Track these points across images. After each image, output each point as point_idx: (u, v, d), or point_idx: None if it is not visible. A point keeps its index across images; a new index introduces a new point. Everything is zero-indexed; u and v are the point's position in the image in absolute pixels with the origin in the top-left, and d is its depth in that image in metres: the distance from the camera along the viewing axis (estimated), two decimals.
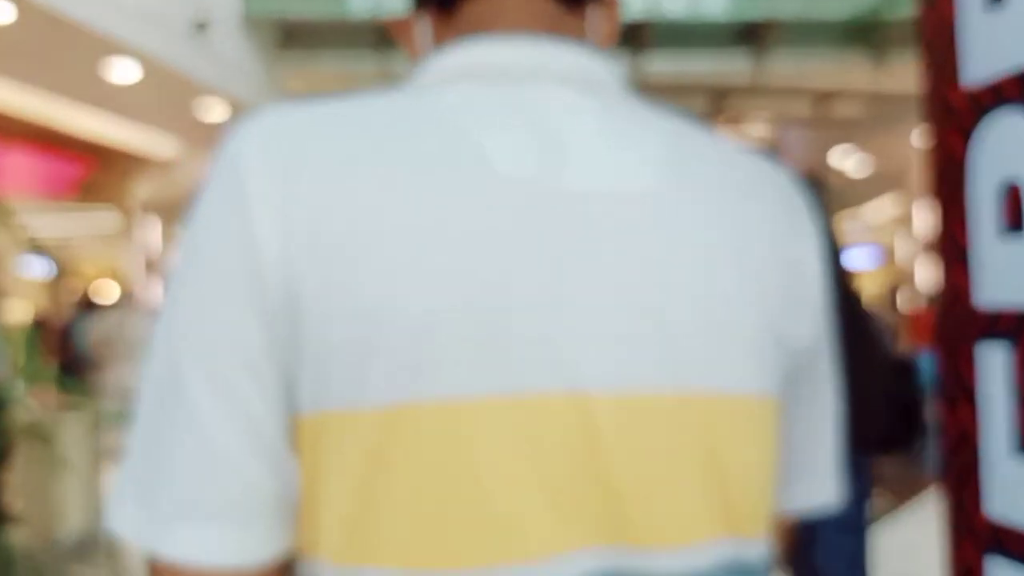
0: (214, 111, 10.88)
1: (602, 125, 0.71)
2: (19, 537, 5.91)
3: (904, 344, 11.04)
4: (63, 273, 26.92)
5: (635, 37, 10.82)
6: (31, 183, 18.64)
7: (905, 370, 3.28)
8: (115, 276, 30.03)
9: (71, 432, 6.10)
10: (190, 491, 0.63)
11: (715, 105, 12.93)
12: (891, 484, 7.29)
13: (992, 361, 0.98)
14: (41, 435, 5.67)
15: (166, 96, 10.11)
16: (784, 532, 0.86)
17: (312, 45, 11.28)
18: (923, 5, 1.06)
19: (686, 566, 0.67)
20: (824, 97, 12.59)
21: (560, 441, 0.64)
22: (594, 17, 0.78)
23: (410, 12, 0.81)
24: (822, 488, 0.85)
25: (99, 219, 21.57)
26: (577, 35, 0.76)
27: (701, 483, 0.68)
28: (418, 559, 0.62)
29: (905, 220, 18.02)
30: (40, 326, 14.34)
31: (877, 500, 3.24)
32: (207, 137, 12.63)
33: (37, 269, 24.82)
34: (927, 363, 10.77)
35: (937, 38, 1.04)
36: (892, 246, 19.67)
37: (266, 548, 0.65)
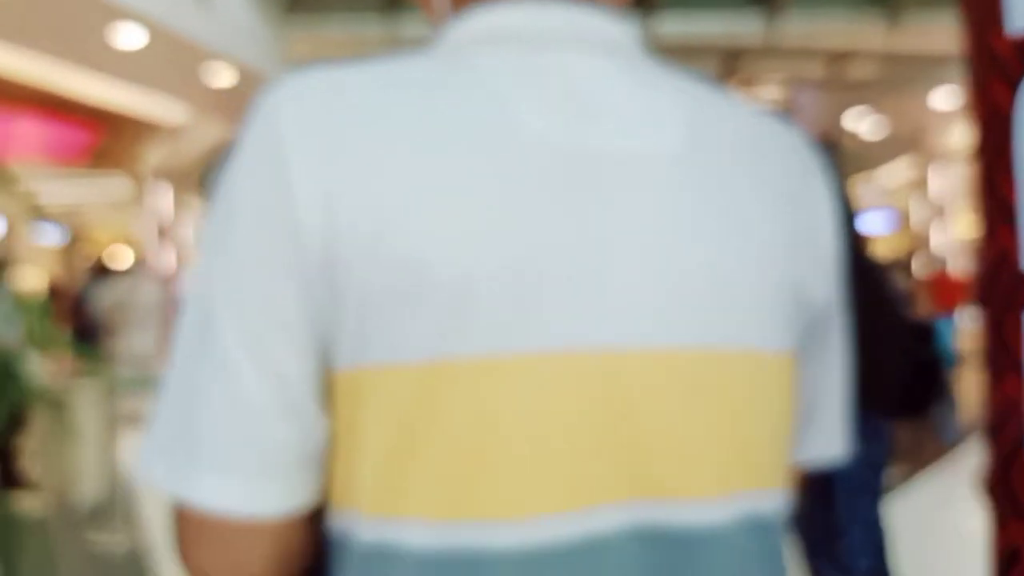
0: (221, 76, 10.82)
1: (628, 88, 0.72)
2: (34, 503, 5.97)
3: (922, 309, 10.98)
4: (76, 240, 27.02)
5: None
6: (41, 150, 18.66)
7: (923, 333, 3.25)
8: (127, 242, 30.16)
9: (85, 398, 6.13)
10: (217, 442, 0.65)
11: (727, 67, 12.81)
12: (906, 453, 7.29)
13: None
14: (55, 402, 5.69)
15: (173, 61, 10.06)
16: (794, 486, 0.86)
17: (319, 9, 11.20)
18: None
19: (709, 519, 0.69)
20: (838, 58, 12.44)
21: (591, 397, 0.65)
22: None
23: None
24: (831, 442, 0.86)
25: (110, 186, 21.59)
26: None
27: (724, 438, 0.70)
28: (450, 511, 0.64)
29: (920, 183, 17.89)
30: (53, 293, 14.43)
31: (893, 468, 3.21)
32: (215, 102, 12.59)
33: (49, 236, 24.93)
34: (945, 329, 10.78)
35: None
36: (907, 210, 19.54)
37: (290, 500, 0.66)
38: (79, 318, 11.76)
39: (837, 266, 0.81)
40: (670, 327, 0.68)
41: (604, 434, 0.66)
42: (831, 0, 11.09)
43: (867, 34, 11.34)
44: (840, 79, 13.03)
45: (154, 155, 16.65)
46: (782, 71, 13.11)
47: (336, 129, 0.65)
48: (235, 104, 12.42)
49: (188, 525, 0.68)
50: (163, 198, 16.83)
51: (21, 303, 4.63)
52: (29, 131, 17.52)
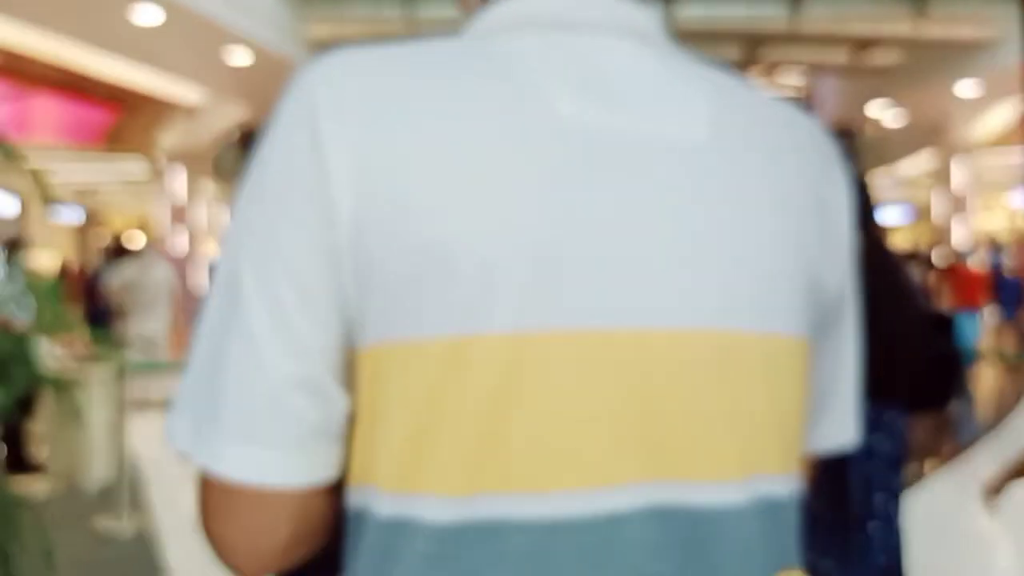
0: (238, 57, 10.79)
1: (654, 74, 0.74)
2: (41, 486, 5.98)
3: (942, 303, 10.91)
4: (91, 221, 27.19)
5: None
6: (57, 130, 18.74)
7: (943, 325, 3.19)
8: (141, 225, 30.32)
9: (95, 383, 6.11)
10: (240, 413, 0.66)
11: (749, 53, 12.70)
12: (923, 450, 7.23)
13: None
14: (64, 386, 5.67)
15: (190, 42, 10.04)
16: (806, 475, 0.86)
17: None
18: None
19: (725, 501, 0.69)
20: (862, 46, 12.31)
21: (613, 376, 0.66)
22: None
23: None
24: (843, 430, 0.87)
25: (126, 167, 21.70)
26: None
27: (743, 421, 0.71)
28: (470, 486, 0.65)
29: (942, 175, 17.70)
30: (65, 275, 14.50)
31: (909, 465, 3.17)
32: (232, 83, 12.56)
33: (64, 217, 25.10)
34: (966, 324, 10.71)
35: None
36: (928, 202, 19.39)
37: (311, 472, 0.68)
38: (92, 301, 11.80)
39: (852, 256, 0.82)
40: (692, 309, 0.69)
41: (625, 413, 0.66)
42: None
43: (893, 21, 11.20)
44: (863, 67, 12.89)
45: (169, 137, 16.67)
46: (805, 58, 13.00)
47: (369, 109, 0.67)
48: (252, 85, 12.41)
49: (210, 494, 0.69)
50: (177, 181, 16.83)
51: (32, 285, 4.58)
52: (46, 111, 17.61)
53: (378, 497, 0.67)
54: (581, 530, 0.65)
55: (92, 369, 6.21)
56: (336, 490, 0.71)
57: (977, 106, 14.97)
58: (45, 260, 15.36)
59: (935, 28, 11.41)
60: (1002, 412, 8.76)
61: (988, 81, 12.88)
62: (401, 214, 0.65)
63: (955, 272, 11.55)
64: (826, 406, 0.84)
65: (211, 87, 13.24)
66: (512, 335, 0.64)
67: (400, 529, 0.66)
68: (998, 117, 15.89)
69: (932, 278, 11.67)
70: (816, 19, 11.09)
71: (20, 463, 6.39)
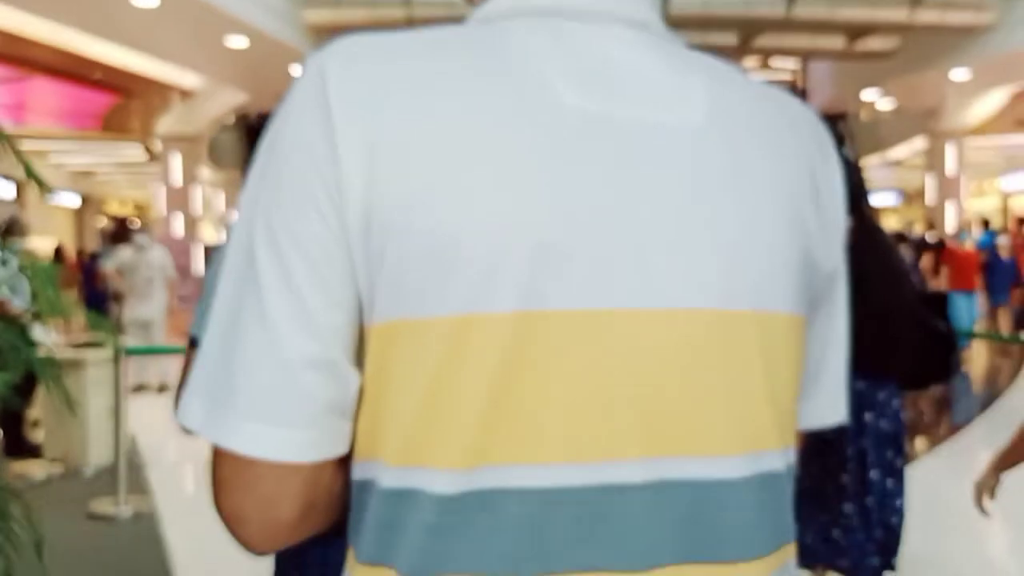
0: (235, 41, 10.78)
1: (654, 62, 0.76)
2: (38, 470, 5.99)
3: (936, 284, 10.93)
4: (88, 205, 27.11)
5: None
6: (55, 114, 18.68)
7: (938, 304, 3.21)
8: (138, 208, 30.24)
9: (93, 366, 6.13)
10: (252, 389, 0.67)
11: (745, 39, 12.68)
12: (919, 429, 7.26)
13: None
14: (62, 370, 5.69)
15: (187, 26, 10.02)
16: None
17: None
18: None
19: (726, 474, 0.72)
20: (857, 32, 12.30)
21: (614, 355, 0.68)
22: None
23: None
24: (830, 407, 0.88)
25: (123, 151, 21.63)
26: None
27: (742, 398, 0.73)
28: (473, 459, 0.67)
29: (935, 159, 17.71)
30: (61, 258, 14.48)
31: (907, 444, 3.20)
32: (228, 68, 12.54)
33: (62, 200, 25.03)
34: (960, 305, 10.72)
35: None
36: (921, 186, 19.40)
37: (320, 448, 0.70)
38: (90, 285, 11.81)
39: (844, 236, 0.84)
40: (690, 289, 0.71)
41: (625, 390, 0.69)
42: None
43: (888, 7, 11.19)
44: (858, 53, 12.88)
45: (166, 122, 16.63)
46: (800, 45, 12.98)
47: (378, 94, 0.68)
48: (248, 70, 12.38)
49: (222, 470, 0.71)
50: (174, 165, 16.77)
51: (27, 269, 4.59)
52: (43, 95, 17.54)
53: (383, 470, 0.69)
54: (579, 499, 0.68)
55: (89, 353, 6.23)
56: (345, 464, 0.73)
57: (970, 91, 14.99)
58: (42, 244, 15.32)
59: (930, 14, 11.41)
60: (996, 392, 8.82)
61: (981, 67, 12.89)
62: (408, 197, 0.66)
63: (950, 254, 11.57)
64: (815, 384, 0.86)
65: (208, 71, 13.21)
66: (515, 314, 0.66)
67: (405, 501, 0.68)
68: (990, 102, 15.92)
69: (926, 260, 11.71)
70: (812, 5, 11.07)
71: (18, 447, 6.42)
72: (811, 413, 0.86)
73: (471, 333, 0.66)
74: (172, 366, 9.23)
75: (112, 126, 19.74)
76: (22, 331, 5.72)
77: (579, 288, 0.67)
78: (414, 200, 0.66)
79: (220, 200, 23.80)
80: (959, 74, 13.43)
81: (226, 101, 15.28)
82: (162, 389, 9.14)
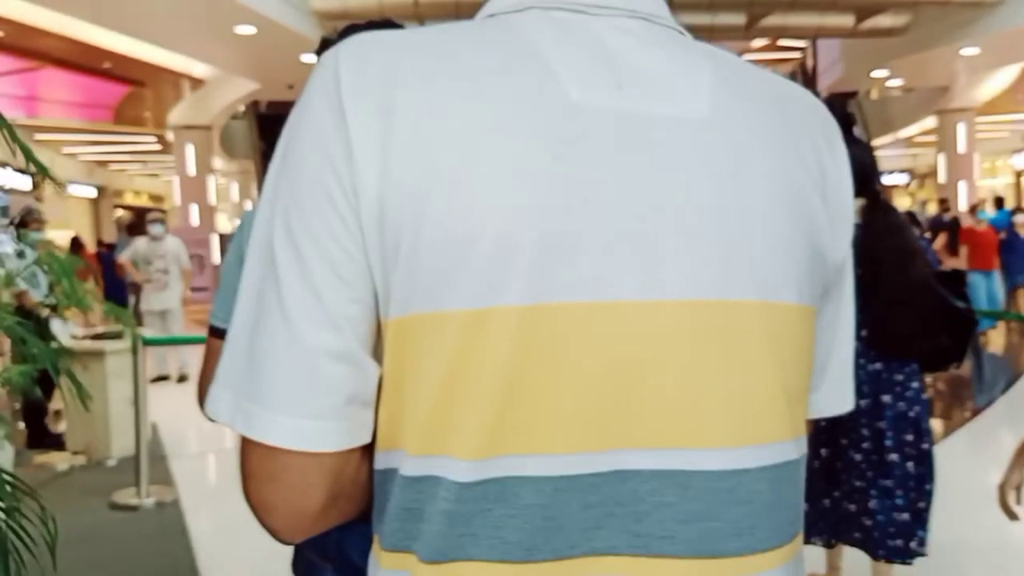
0: (243, 28, 10.78)
1: (659, 55, 0.77)
2: (60, 461, 6.05)
3: (951, 263, 10.86)
4: (103, 195, 27.17)
5: None
6: (67, 104, 18.72)
7: (955, 283, 3.18)
8: (153, 199, 30.27)
9: (113, 357, 6.19)
10: (276, 381, 0.70)
11: (753, 18, 12.59)
12: (939, 410, 7.23)
13: None
14: (82, 361, 5.75)
15: (196, 14, 10.03)
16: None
17: None
18: None
19: (733, 465, 0.73)
20: (867, 10, 12.21)
21: (621, 346, 0.70)
22: None
23: None
24: (838, 395, 0.90)
25: (136, 142, 21.67)
26: None
27: (747, 389, 0.74)
28: (488, 449, 0.69)
29: (947, 137, 17.58)
30: (78, 250, 14.54)
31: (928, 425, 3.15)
32: (238, 57, 12.55)
33: (78, 191, 25.08)
34: (983, 285, 10.59)
35: None
36: (930, 164, 19.25)
37: (343, 438, 0.72)
38: (108, 275, 11.87)
39: (851, 227, 0.85)
40: (696, 280, 0.72)
41: (633, 382, 0.71)
42: None
43: None
44: (869, 31, 12.78)
45: (178, 112, 16.65)
46: (809, 23, 12.88)
47: (390, 91, 0.70)
48: (257, 57, 12.39)
49: (250, 460, 0.73)
50: (187, 155, 16.79)
51: (45, 261, 4.63)
52: (55, 85, 17.57)
53: (405, 459, 0.72)
54: (590, 485, 0.70)
55: (108, 344, 6.29)
56: (369, 453, 0.76)
57: (981, 69, 14.86)
58: (59, 235, 15.37)
59: None
60: (1018, 373, 8.74)
61: (992, 44, 12.77)
62: (419, 193, 0.68)
63: (969, 233, 11.47)
64: (822, 374, 0.87)
65: (217, 60, 13.22)
66: (525, 307, 0.68)
67: (425, 488, 0.71)
68: (1001, 80, 15.77)
69: (940, 239, 11.62)
70: None
71: (40, 438, 6.49)
72: (818, 402, 0.88)
73: (483, 327, 0.68)
74: (190, 356, 9.31)
75: (124, 116, 19.77)
76: (39, 323, 5.77)
77: (586, 281, 0.69)
78: (425, 195, 0.68)
79: (234, 189, 23.82)
80: (971, 51, 13.32)
81: (236, 90, 15.30)
82: (181, 379, 9.23)
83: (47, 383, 5.41)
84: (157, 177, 28.92)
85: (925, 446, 3.11)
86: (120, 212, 26.61)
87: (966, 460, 5.81)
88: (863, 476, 3.08)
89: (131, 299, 10.42)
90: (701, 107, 0.75)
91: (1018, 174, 22.07)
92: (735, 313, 0.73)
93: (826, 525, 3.20)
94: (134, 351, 5.37)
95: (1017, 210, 13.24)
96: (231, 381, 0.73)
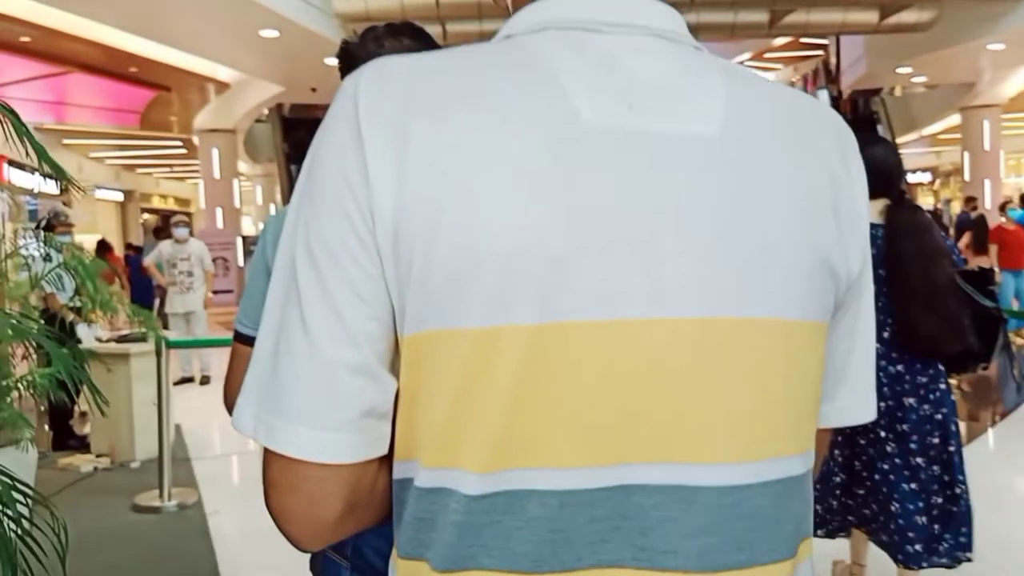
0: (267, 33, 10.84)
1: (676, 73, 0.78)
2: (85, 462, 6.09)
3: (978, 262, 10.73)
4: (129, 199, 27.42)
5: None
6: (95, 108, 18.88)
7: (983, 281, 3.14)
8: (179, 203, 30.48)
9: (138, 359, 6.23)
10: (297, 395, 0.73)
11: (776, 15, 12.51)
12: (967, 412, 7.14)
13: None
14: (106, 363, 5.79)
15: (220, 17, 10.08)
16: (823, 443, 0.92)
17: None
18: None
19: (739, 480, 0.74)
20: (891, 5, 12.10)
21: (629, 363, 0.72)
22: None
23: None
24: (859, 405, 0.91)
25: (163, 147, 21.85)
26: None
27: (753, 406, 0.75)
28: (497, 463, 0.72)
29: (972, 135, 17.40)
30: (105, 253, 14.66)
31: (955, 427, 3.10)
32: (261, 61, 12.62)
33: (105, 194, 25.34)
34: (1014, 284, 10.39)
35: None
36: (955, 161, 19.06)
37: (362, 450, 0.75)
38: (136, 278, 11.96)
39: (865, 240, 0.85)
40: (707, 298, 0.73)
41: (641, 398, 0.72)
42: None
43: None
44: (892, 27, 12.66)
45: (203, 116, 16.75)
46: (833, 19, 12.78)
47: (404, 117, 0.72)
48: (281, 61, 12.44)
49: (270, 469, 0.76)
50: (213, 159, 16.89)
51: (72, 264, 4.67)
52: (84, 90, 17.72)
53: (420, 470, 0.74)
54: (597, 499, 0.72)
55: (133, 346, 6.33)
56: (388, 464, 0.79)
57: (1006, 65, 14.69)
58: (87, 239, 15.50)
59: None
60: None
61: (1019, 39, 12.62)
62: (433, 216, 0.70)
63: (999, 231, 11.33)
64: (842, 382, 0.88)
65: (241, 63, 13.30)
66: (535, 326, 0.70)
67: (437, 499, 0.74)
68: None
69: (965, 238, 11.50)
70: None
71: (65, 440, 6.54)
72: (839, 412, 0.89)
73: (493, 345, 0.71)
74: (213, 358, 9.37)
75: (151, 121, 19.91)
76: (62, 326, 5.81)
77: (595, 299, 0.71)
78: (436, 218, 0.70)
79: (258, 192, 23.96)
80: (995, 46, 13.18)
81: (261, 93, 15.38)
82: (204, 381, 9.29)
83: (73, 385, 5.47)
84: (183, 181, 29.14)
85: (952, 449, 3.07)
86: (146, 216, 26.79)
87: (995, 463, 5.74)
88: (886, 479, 3.04)
89: (156, 302, 10.49)
90: (712, 126, 0.76)
91: None
92: (742, 330, 0.74)
93: (835, 519, 3.18)
94: (158, 353, 5.40)
95: None
96: (255, 393, 0.76)
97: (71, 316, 6.36)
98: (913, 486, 3.03)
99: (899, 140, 17.23)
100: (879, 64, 15.87)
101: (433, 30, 1.77)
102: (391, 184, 0.71)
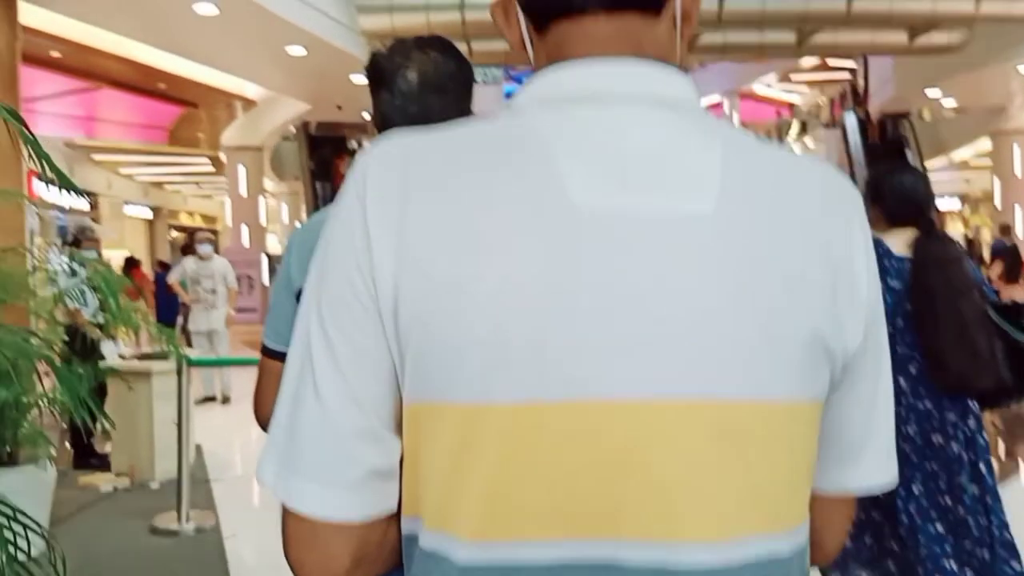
0: (294, 51, 10.90)
1: (675, 146, 0.79)
2: (104, 482, 6.08)
3: (1010, 295, 10.56)
4: (159, 217, 27.65)
5: None
6: (125, 126, 19.09)
7: (1015, 314, 3.05)
8: (205, 220, 30.71)
9: (160, 378, 6.22)
10: (312, 455, 0.78)
11: (803, 36, 12.43)
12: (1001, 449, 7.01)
13: None
14: (128, 381, 5.80)
15: (247, 33, 10.15)
16: (847, 511, 0.93)
17: None
18: None
19: (720, 560, 0.74)
20: (920, 26, 12.00)
21: (610, 443, 0.73)
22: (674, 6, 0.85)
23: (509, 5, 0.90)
24: (880, 470, 0.90)
25: (191, 163, 22.04)
26: (657, 43, 0.84)
27: (735, 485, 0.75)
28: (485, 533, 0.75)
29: (1003, 161, 17.19)
30: (132, 270, 14.77)
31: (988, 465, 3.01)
32: (288, 78, 12.69)
33: (135, 212, 25.57)
34: None
35: None
36: (985, 188, 18.84)
37: (370, 507, 0.79)
38: (162, 295, 12.02)
39: (872, 310, 0.84)
40: (689, 378, 0.74)
41: (621, 477, 0.73)
42: None
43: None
44: (922, 49, 12.56)
45: (230, 133, 16.87)
46: (861, 41, 12.70)
47: (406, 196, 0.77)
48: (307, 78, 12.51)
49: (287, 523, 0.81)
50: (239, 176, 16.98)
51: (96, 280, 4.67)
52: (114, 106, 17.93)
53: (423, 530, 0.78)
54: (580, 573, 0.74)
55: (155, 364, 6.32)
56: (396, 519, 0.82)
57: None
58: (114, 254, 15.61)
59: (996, 5, 11.09)
60: None
61: None
62: (425, 292, 0.74)
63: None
64: (861, 450, 0.88)
65: (268, 81, 13.38)
66: (517, 406, 0.73)
67: (435, 563, 0.77)
68: None
69: (996, 267, 11.34)
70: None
71: (86, 459, 6.54)
72: (859, 477, 0.89)
73: (478, 421, 0.74)
74: (235, 378, 9.35)
75: (179, 137, 20.12)
76: (84, 342, 5.82)
77: (578, 379, 0.73)
78: (430, 295, 0.74)
79: (284, 210, 24.08)
80: None
81: (287, 111, 15.47)
82: (225, 400, 9.29)
83: (83, 405, 5.47)
84: (210, 198, 29.35)
85: (981, 487, 2.95)
86: (174, 233, 26.98)
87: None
88: (912, 522, 2.93)
89: (179, 319, 10.51)
90: (706, 203, 0.76)
91: None
92: (724, 411, 0.75)
93: (857, 565, 3.09)
94: (179, 372, 5.38)
95: None
96: (276, 449, 0.81)
97: (96, 332, 6.37)
98: (940, 528, 2.91)
99: (928, 165, 17.06)
100: (907, 86, 15.75)
101: (458, 48, 1.75)
102: (390, 263, 0.75)
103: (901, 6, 11.13)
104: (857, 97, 18.71)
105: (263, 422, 1.57)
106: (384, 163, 0.79)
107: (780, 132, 25.48)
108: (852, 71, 19.92)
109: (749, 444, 0.75)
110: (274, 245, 20.40)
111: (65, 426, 6.45)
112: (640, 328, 0.73)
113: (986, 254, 14.74)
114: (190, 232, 15.06)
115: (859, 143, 17.49)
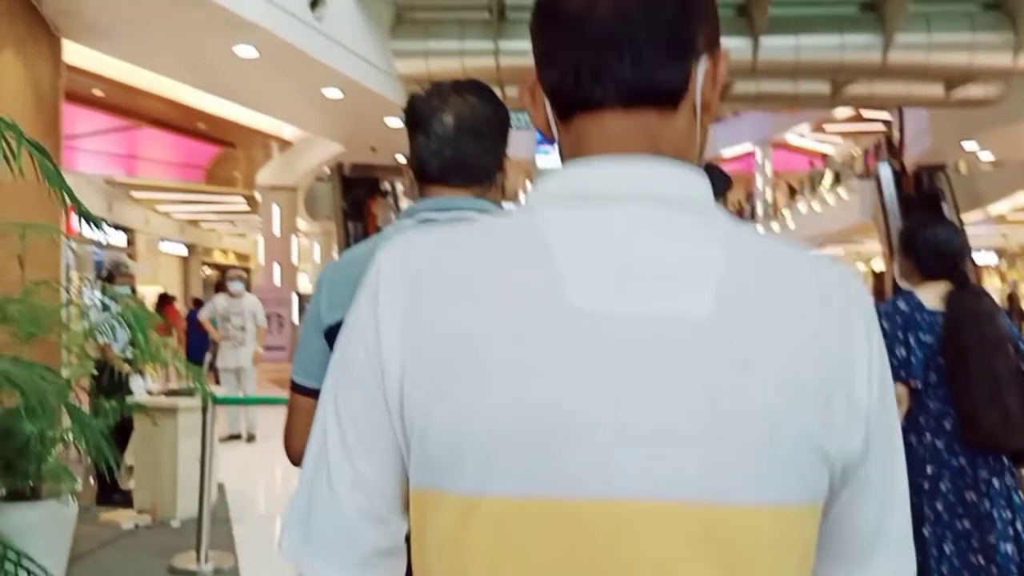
0: (331, 93, 11.02)
1: (674, 246, 0.81)
2: (126, 519, 6.07)
3: None
4: (193, 254, 27.96)
5: (750, 13, 10.47)
6: (164, 164, 19.37)
7: None
8: (238, 258, 30.97)
9: (186, 415, 6.22)
10: (322, 533, 0.85)
11: (837, 87, 12.40)
12: None
13: None
14: (153, 417, 5.80)
15: (284, 76, 10.28)
16: None
17: (425, 23, 11.29)
18: None
19: None
20: (957, 78, 11.94)
21: (599, 543, 0.75)
22: (696, 88, 0.87)
23: (534, 85, 0.92)
24: (899, 563, 0.89)
25: (227, 202, 22.31)
26: (674, 139, 0.86)
27: None
28: None
29: None
30: (165, 305, 14.88)
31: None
32: (324, 120, 12.82)
33: (171, 249, 25.88)
34: None
35: None
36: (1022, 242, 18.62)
37: None
38: (193, 332, 12.09)
39: (877, 414, 0.83)
40: (679, 482, 0.75)
41: (609, 573, 0.75)
42: (952, 13, 10.63)
43: (991, 51, 10.85)
44: (958, 101, 12.49)
45: (266, 173, 17.05)
46: (896, 92, 12.65)
47: (414, 294, 0.82)
48: (343, 120, 12.63)
49: None
50: (274, 215, 17.14)
51: (126, 315, 4.70)
52: (153, 145, 18.21)
53: None
54: None
55: (181, 401, 6.33)
56: None
57: None
58: (148, 290, 15.76)
59: None
60: None
61: None
62: (429, 388, 0.79)
63: None
64: (872, 554, 0.88)
65: (304, 122, 13.52)
66: (510, 500, 0.76)
67: None
68: None
69: None
70: (908, 51, 10.78)
71: (109, 494, 6.53)
72: (878, 573, 0.88)
73: (473, 512, 0.78)
74: (260, 417, 9.35)
75: (216, 176, 20.38)
76: (112, 376, 5.83)
77: (570, 478, 0.75)
78: (430, 392, 0.79)
79: (316, 250, 24.25)
80: None
81: (322, 152, 15.62)
82: (251, 439, 9.29)
83: (119, 437, 5.48)
84: (244, 236, 29.64)
85: (1017, 547, 2.87)
86: (208, 270, 27.23)
87: None
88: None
89: (207, 356, 10.54)
90: (704, 306, 0.78)
91: None
92: (717, 516, 0.75)
93: None
94: (204, 410, 5.38)
95: None
96: (294, 524, 0.87)
97: (125, 367, 6.40)
98: None
99: (964, 218, 16.91)
100: (943, 139, 15.64)
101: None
102: (397, 357, 0.80)
103: (937, 58, 11.06)
104: (892, 148, 18.58)
105: (293, 458, 1.59)
106: (398, 266, 0.84)
107: (813, 182, 25.32)
108: (887, 123, 19.85)
109: (739, 548, 0.76)
110: (305, 284, 20.52)
111: (90, 461, 6.46)
112: (634, 430, 0.75)
113: None
114: (223, 269, 15.18)
115: (894, 195, 17.33)
